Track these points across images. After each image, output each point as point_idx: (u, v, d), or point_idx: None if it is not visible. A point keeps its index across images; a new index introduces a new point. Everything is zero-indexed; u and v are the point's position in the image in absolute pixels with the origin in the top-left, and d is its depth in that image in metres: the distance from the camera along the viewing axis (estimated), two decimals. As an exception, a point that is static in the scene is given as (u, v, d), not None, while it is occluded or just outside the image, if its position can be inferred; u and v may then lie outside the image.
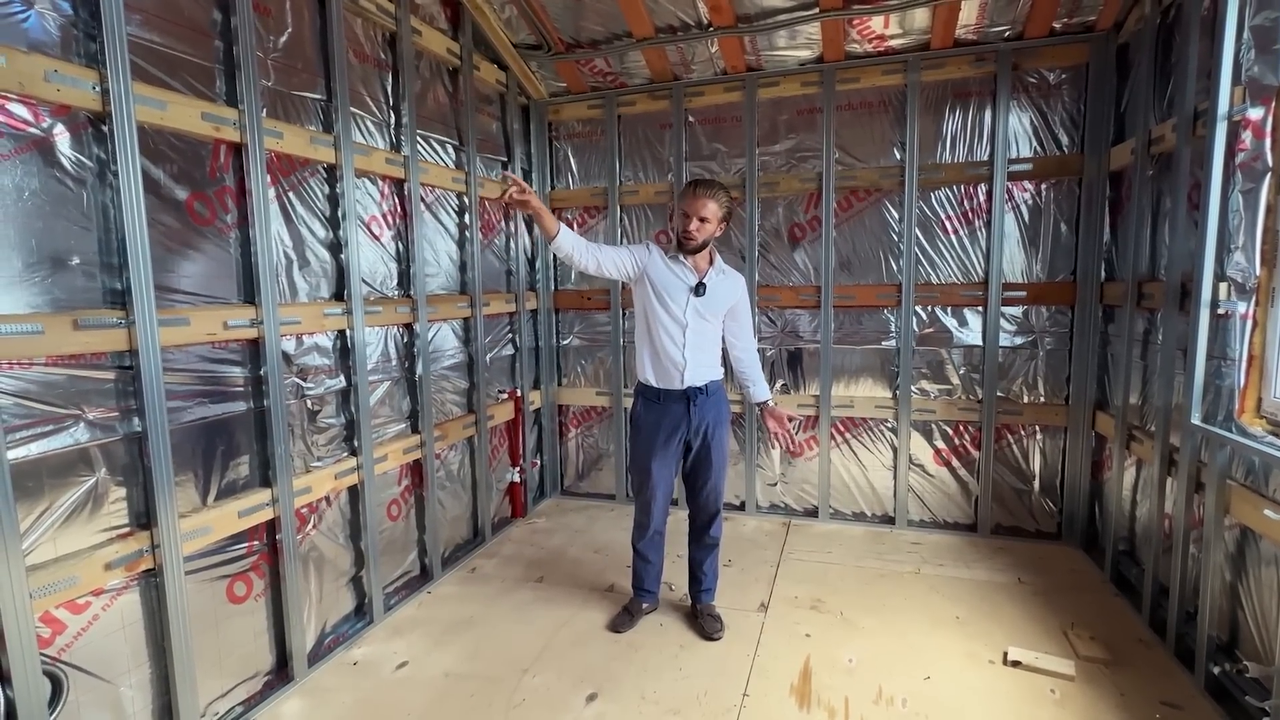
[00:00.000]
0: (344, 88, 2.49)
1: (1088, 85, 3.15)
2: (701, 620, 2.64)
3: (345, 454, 2.60)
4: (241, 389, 2.16)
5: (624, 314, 4.01)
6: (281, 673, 2.32)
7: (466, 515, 3.46)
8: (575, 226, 4.08)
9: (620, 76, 3.75)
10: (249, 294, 2.17)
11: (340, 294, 2.56)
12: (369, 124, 2.72)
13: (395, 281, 2.89)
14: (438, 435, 3.11)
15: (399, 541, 2.94)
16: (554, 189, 4.09)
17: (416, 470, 3.03)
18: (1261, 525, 1.94)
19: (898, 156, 3.44)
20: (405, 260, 2.93)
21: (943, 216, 3.42)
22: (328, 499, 2.53)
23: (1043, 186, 3.28)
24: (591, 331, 4.13)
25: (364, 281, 2.67)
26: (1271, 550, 1.95)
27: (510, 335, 3.84)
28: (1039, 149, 3.26)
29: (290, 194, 2.33)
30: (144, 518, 1.86)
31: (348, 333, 2.57)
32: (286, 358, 2.32)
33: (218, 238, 2.08)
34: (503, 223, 3.75)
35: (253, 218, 2.13)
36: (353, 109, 2.59)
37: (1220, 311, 2.19)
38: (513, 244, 3.82)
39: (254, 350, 2.19)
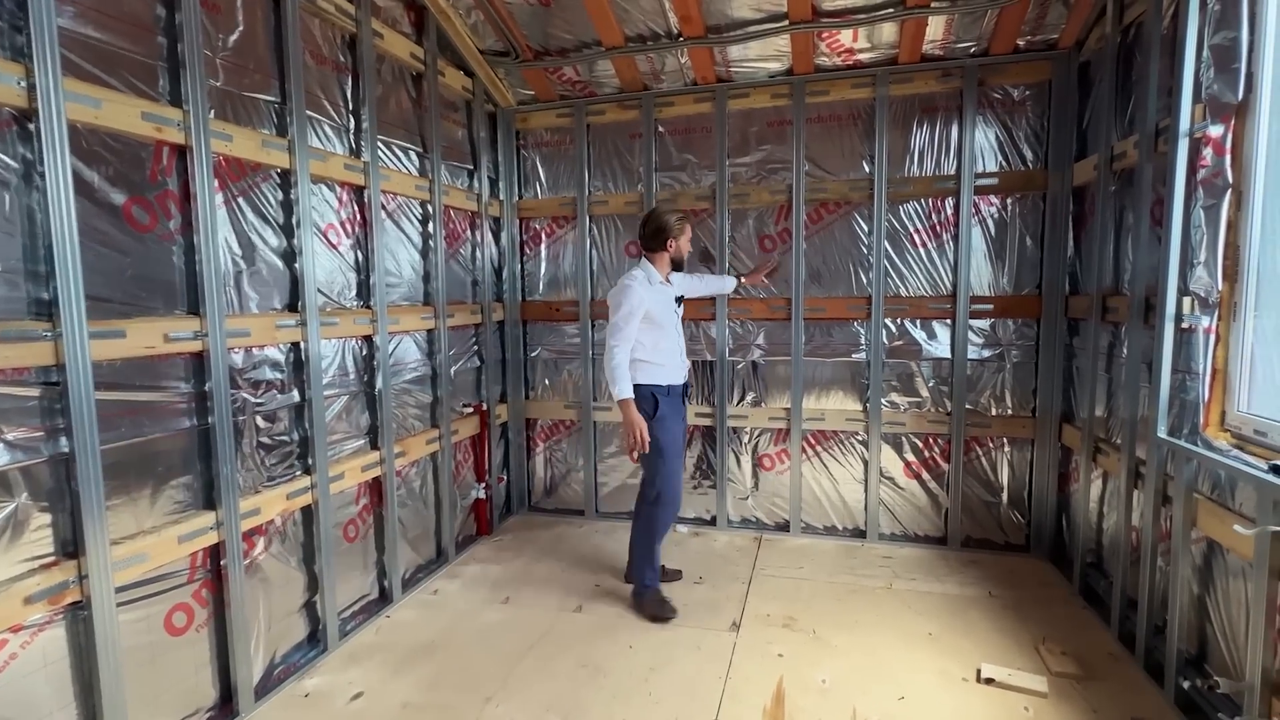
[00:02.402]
0: (299, 90, 2.39)
1: (1051, 102, 3.20)
2: (667, 575, 3.12)
3: (299, 473, 2.48)
4: (184, 405, 2.04)
5: (593, 325, 3.94)
6: (225, 707, 2.18)
7: (429, 534, 3.34)
8: (544, 237, 4.01)
9: (590, 85, 3.70)
10: (194, 305, 2.05)
11: (295, 305, 2.45)
12: (327, 128, 2.62)
13: (354, 292, 2.78)
14: (399, 452, 3.00)
15: (357, 563, 2.81)
16: (522, 198, 4.01)
17: (376, 488, 2.90)
18: (1228, 539, 1.95)
19: (867, 170, 3.45)
20: (365, 270, 2.82)
21: (911, 230, 3.43)
22: (279, 520, 2.40)
23: (1008, 201, 3.31)
24: (560, 343, 4.05)
25: (320, 292, 2.56)
26: (1239, 564, 1.95)
27: (476, 347, 3.74)
28: (1004, 164, 3.30)
29: (240, 199, 2.22)
30: (71, 546, 1.73)
31: (302, 345, 2.45)
32: (235, 372, 2.20)
33: (159, 245, 1.95)
34: (468, 231, 3.66)
35: (198, 224, 2.02)
36: (309, 113, 2.49)
37: (1184, 326, 2.21)
38: (479, 254, 3.73)
39: (198, 364, 2.06)
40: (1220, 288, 2.11)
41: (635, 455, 2.75)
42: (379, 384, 2.86)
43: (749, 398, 3.74)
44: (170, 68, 1.98)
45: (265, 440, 2.33)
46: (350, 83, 2.74)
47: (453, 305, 3.46)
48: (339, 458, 2.68)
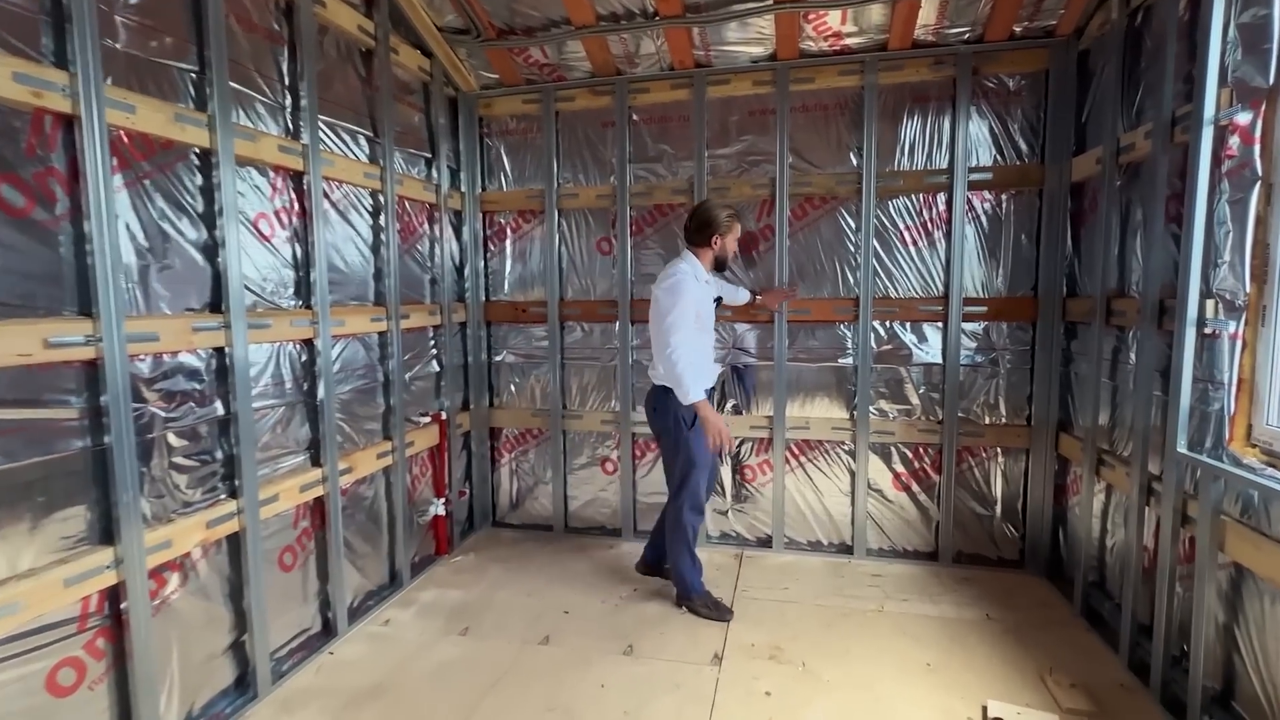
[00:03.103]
0: (221, 58, 2.08)
1: (1048, 92, 3.02)
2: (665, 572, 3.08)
3: (223, 496, 2.17)
4: (75, 423, 1.72)
5: (563, 327, 3.67)
6: (129, 774, 1.87)
7: (381, 557, 3.03)
8: (509, 232, 3.72)
9: (558, 69, 3.43)
10: (85, 304, 1.73)
11: (219, 305, 2.14)
12: (259, 106, 2.31)
13: (292, 290, 2.47)
14: (345, 468, 2.69)
15: (295, 595, 2.51)
16: (485, 190, 3.72)
17: (318, 509, 2.60)
18: (1265, 567, 1.76)
19: (854, 163, 3.24)
20: (305, 266, 2.51)
21: (901, 227, 3.23)
22: (198, 552, 2.09)
23: (1003, 197, 3.13)
24: (528, 346, 3.77)
25: (250, 290, 2.25)
26: (1275, 592, 1.77)
27: (435, 351, 3.45)
28: (999, 158, 3.11)
29: (147, 182, 1.91)
30: (-85, 599, 1.41)
31: (227, 350, 2.14)
32: (141, 382, 1.89)
33: (38, 233, 1.64)
34: (426, 225, 3.36)
35: (89, 209, 1.70)
36: (236, 85, 2.19)
37: (1208, 331, 2.02)
38: (437, 249, 3.44)
39: (92, 374, 1.75)
40: (1248, 290, 1.93)
41: (723, 456, 2.85)
42: (321, 393, 2.56)
43: (729, 405, 3.50)
44: (55, 23, 1.67)
45: (180, 461, 2.02)
46: (287, 55, 2.43)
47: (408, 305, 3.16)
48: (273, 477, 2.37)
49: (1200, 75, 1.99)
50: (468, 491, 3.77)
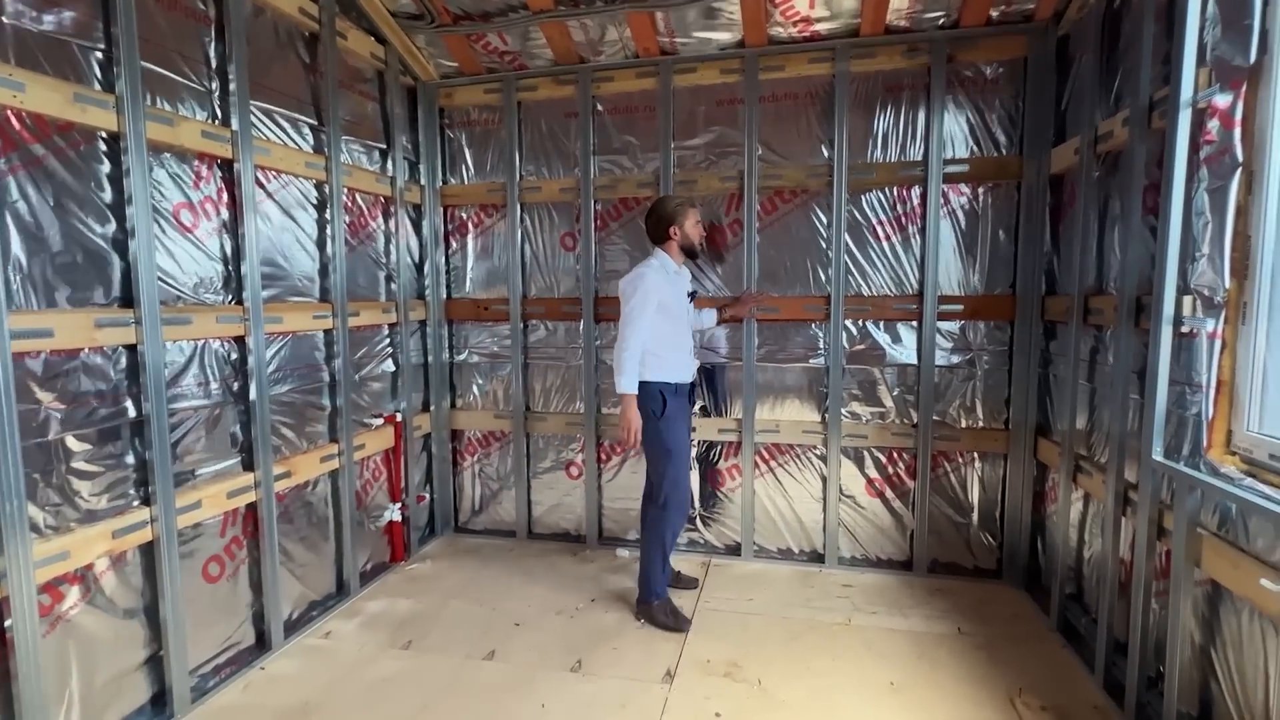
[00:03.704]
0: (131, 36, 1.94)
1: (1026, 81, 2.88)
2: (683, 581, 3.04)
3: (135, 504, 2.04)
4: (-49, 426, 1.59)
5: (526, 326, 3.53)
6: (17, 805, 1.73)
7: (328, 565, 2.90)
8: (471, 227, 3.59)
9: (520, 57, 3.30)
10: (-38, 297, 1.60)
11: (130, 299, 2.00)
12: (182, 90, 2.18)
13: (220, 285, 2.34)
14: (282, 472, 2.56)
15: (223, 607, 2.37)
16: (446, 184, 3.59)
17: (251, 516, 2.46)
18: (1242, 586, 1.62)
19: (826, 155, 3.10)
20: (235, 260, 2.38)
21: (874, 222, 3.09)
22: (104, 564, 1.95)
23: (980, 190, 2.99)
24: (491, 346, 3.63)
25: (167, 284, 2.12)
26: (1254, 614, 1.63)
27: (390, 350, 3.31)
28: (976, 149, 2.97)
29: (39, 166, 1.77)
30: None
31: (138, 348, 2.01)
32: (33, 381, 1.75)
33: (-97, 218, 1.51)
34: (380, 219, 3.23)
35: (-37, 193, 1.57)
36: (152, 67, 2.06)
37: (1185, 330, 1.89)
38: (393, 245, 3.30)
39: (-30, 373, 1.61)
40: (1227, 285, 1.79)
41: (630, 451, 2.77)
42: (253, 394, 2.42)
43: (696, 407, 3.36)
44: (-74, -9, 1.54)
45: (82, 466, 1.89)
46: (215, 37, 2.30)
47: (359, 303, 3.03)
48: (195, 483, 2.24)
49: (1177, 54, 1.86)
50: (427, 496, 3.63)
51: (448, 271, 3.65)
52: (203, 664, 2.28)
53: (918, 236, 3.04)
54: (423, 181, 3.52)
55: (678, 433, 2.73)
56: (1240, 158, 1.76)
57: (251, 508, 2.46)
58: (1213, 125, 1.80)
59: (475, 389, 3.69)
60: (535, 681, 2.33)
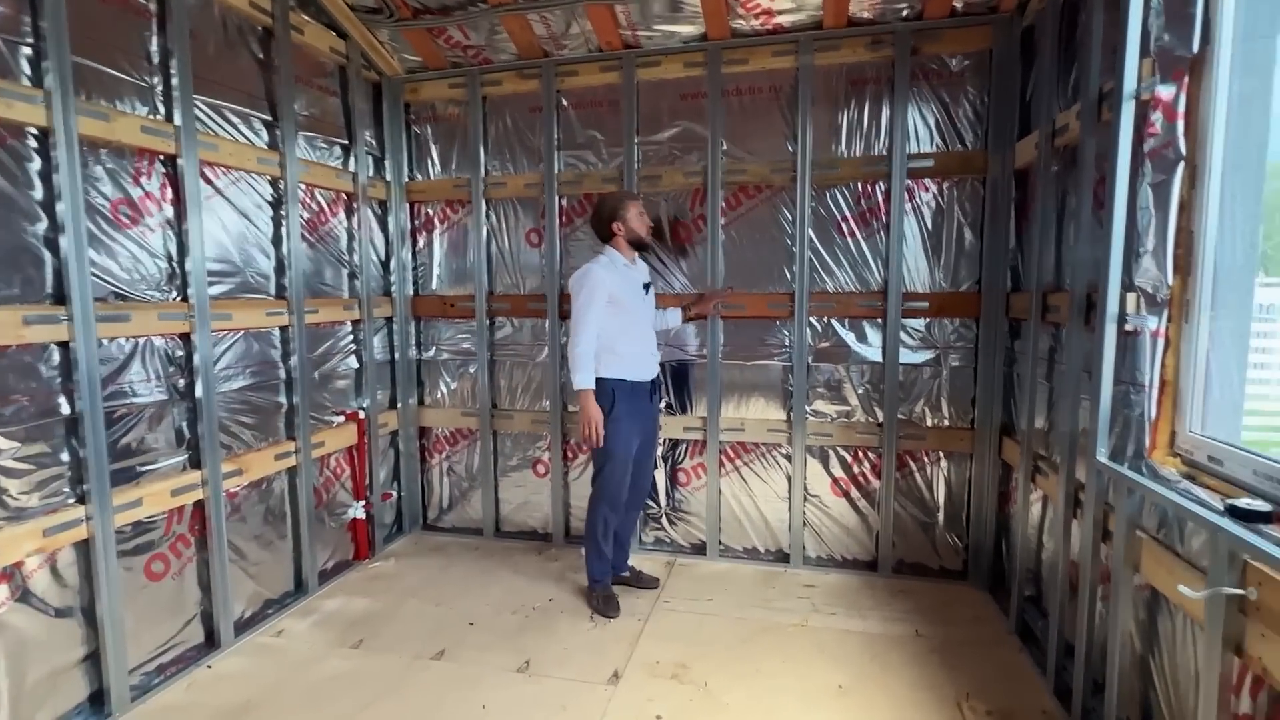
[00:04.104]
0: (60, 30, 1.92)
1: (992, 74, 2.83)
2: (643, 581, 3.00)
3: (70, 501, 2.03)
4: None
5: (492, 323, 3.51)
6: (-61, 804, 1.73)
7: (285, 563, 2.89)
8: (438, 223, 3.57)
9: (484, 51, 3.26)
10: (-125, 294, 1.59)
11: (63, 297, 1.99)
12: (121, 85, 2.16)
13: (164, 282, 2.32)
14: (233, 470, 2.55)
15: (167, 605, 2.36)
16: (413, 180, 3.57)
17: (198, 514, 2.45)
18: (1176, 594, 1.58)
19: (790, 150, 3.06)
20: (179, 256, 2.36)
21: (839, 218, 3.05)
22: (35, 563, 1.94)
23: (945, 186, 2.94)
24: (459, 343, 3.61)
25: (103, 280, 2.11)
26: (1189, 623, 1.59)
27: (354, 348, 3.29)
28: (941, 144, 2.92)
29: (-38, 162, 1.76)
30: None
31: (71, 345, 1.99)
32: (-45, 380, 1.74)
33: None
34: (342, 216, 3.21)
35: (-128, 189, 1.56)
36: (86, 61, 2.04)
37: (1128, 328, 1.84)
38: (357, 241, 3.28)
39: (-116, 371, 1.60)
40: (1170, 282, 1.75)
41: (587, 449, 2.69)
42: (200, 391, 2.41)
43: (662, 404, 3.33)
44: None
45: (9, 465, 1.88)
46: (156, 31, 2.28)
47: (320, 300, 3.01)
48: (140, 480, 2.23)
49: (1121, 44, 1.80)
50: (394, 494, 3.62)
51: (415, 268, 3.63)
52: (146, 662, 2.28)
53: (883, 232, 2.99)
54: (388, 177, 3.50)
55: (623, 434, 2.69)
56: (1183, 151, 1.71)
57: (199, 506, 2.45)
58: (1156, 118, 1.75)
59: (443, 386, 3.67)
60: (480, 682, 2.32)
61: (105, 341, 2.10)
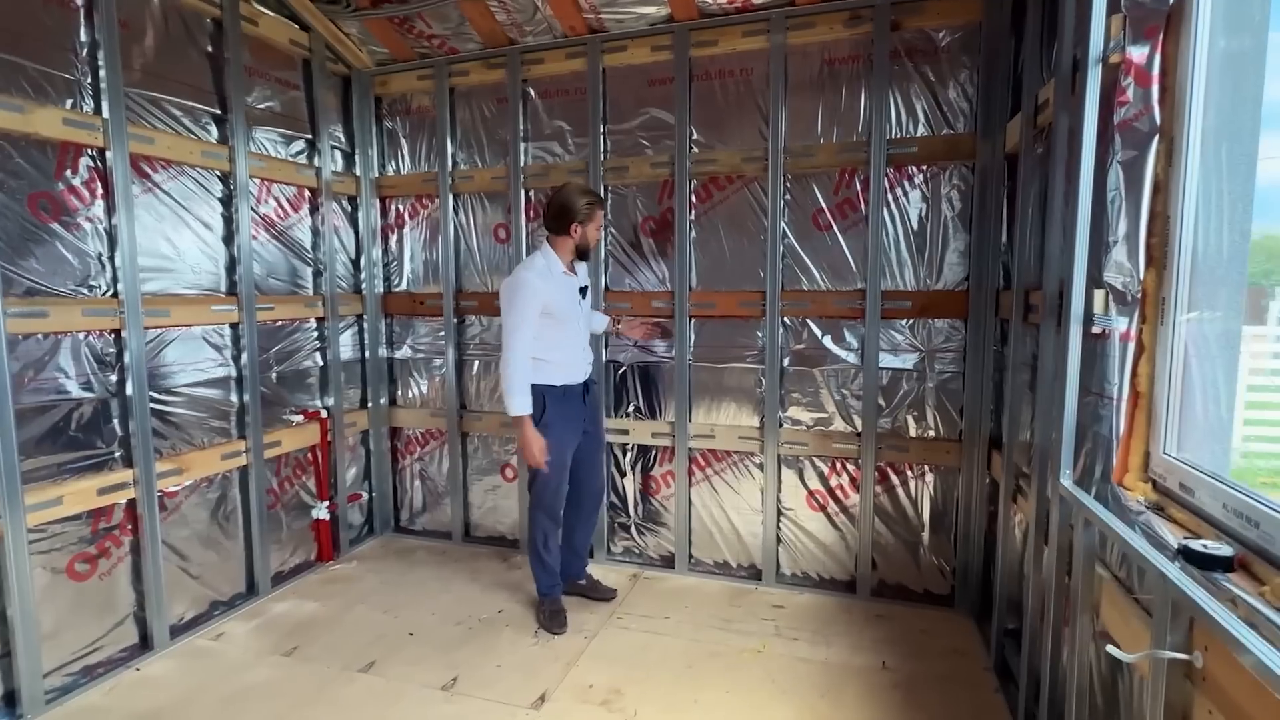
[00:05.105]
0: (-37, 20, 1.89)
1: (981, 48, 2.56)
2: (599, 591, 2.86)
3: (-22, 500, 1.99)
4: None
5: (461, 320, 3.40)
6: None
7: (234, 564, 2.84)
8: (407, 218, 3.48)
9: (449, 41, 3.16)
10: None
11: (-28, 291, 1.96)
12: (41, 77, 2.12)
13: (90, 277, 2.28)
14: (172, 469, 2.50)
15: (94, 606, 2.32)
16: (383, 174, 3.49)
17: (130, 513, 2.41)
18: (1130, 641, 1.33)
19: (763, 137, 2.84)
20: (109, 251, 2.32)
21: (814, 209, 2.82)
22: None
23: (931, 173, 2.68)
24: (431, 341, 3.52)
25: (16, 275, 2.07)
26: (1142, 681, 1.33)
27: (319, 346, 3.23)
28: (928, 128, 2.66)
29: None
30: None
31: (-22, 342, 1.96)
32: None
33: None
34: (305, 212, 3.15)
35: None
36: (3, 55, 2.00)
37: (1095, 330, 1.58)
38: (321, 238, 3.22)
39: None
40: (1143, 276, 1.49)
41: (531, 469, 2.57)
42: (130, 389, 2.36)
43: (630, 408, 3.16)
44: None
45: (-94, 461, 1.85)
46: (84, 22, 2.24)
47: (278, 297, 2.96)
48: (59, 478, 2.19)
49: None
50: (364, 495, 3.55)
51: (386, 264, 3.56)
52: (69, 663, 2.24)
53: (862, 225, 2.75)
54: (358, 172, 3.43)
55: (555, 441, 2.53)
56: (1158, 121, 1.45)
57: (132, 504, 2.40)
58: (1127, 84, 1.49)
59: (415, 385, 3.59)
60: (400, 699, 2.20)
61: (20, 337, 2.07)
